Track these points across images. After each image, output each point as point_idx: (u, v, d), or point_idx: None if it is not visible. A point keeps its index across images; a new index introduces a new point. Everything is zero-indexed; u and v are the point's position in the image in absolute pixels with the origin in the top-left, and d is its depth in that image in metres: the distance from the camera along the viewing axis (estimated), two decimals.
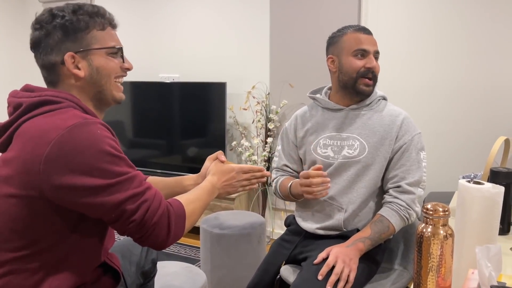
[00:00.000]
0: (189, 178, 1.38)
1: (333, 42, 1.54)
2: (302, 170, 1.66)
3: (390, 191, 1.48)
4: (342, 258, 1.33)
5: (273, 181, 1.72)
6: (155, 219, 0.97)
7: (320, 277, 1.31)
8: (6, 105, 1.05)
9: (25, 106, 0.99)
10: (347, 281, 1.31)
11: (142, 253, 1.41)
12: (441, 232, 0.88)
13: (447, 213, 0.88)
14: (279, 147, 1.73)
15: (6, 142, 1.01)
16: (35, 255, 0.97)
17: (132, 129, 3.78)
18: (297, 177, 1.68)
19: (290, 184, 1.58)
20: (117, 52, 1.08)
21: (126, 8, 3.87)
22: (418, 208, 1.47)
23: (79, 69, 1.03)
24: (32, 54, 1.06)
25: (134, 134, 3.77)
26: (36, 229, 0.96)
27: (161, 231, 0.98)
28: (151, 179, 1.36)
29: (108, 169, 0.92)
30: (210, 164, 1.33)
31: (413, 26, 2.77)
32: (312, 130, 1.61)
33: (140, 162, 3.71)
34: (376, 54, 1.50)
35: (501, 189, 0.99)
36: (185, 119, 3.51)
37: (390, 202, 1.45)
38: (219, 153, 1.34)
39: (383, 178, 1.52)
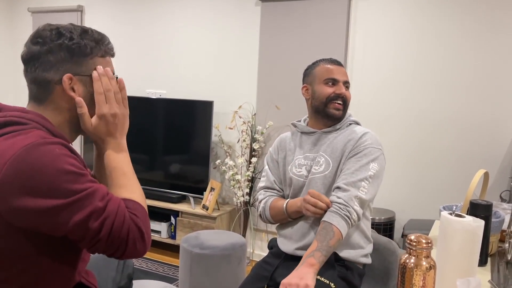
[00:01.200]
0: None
1: (307, 73, 1.69)
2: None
3: (332, 193, 1.51)
4: (294, 284, 1.30)
5: (260, 202, 1.72)
6: (123, 233, 0.94)
7: None
8: None
9: None
10: None
11: (118, 268, 1.39)
12: (424, 263, 0.89)
13: (430, 245, 0.90)
14: (266, 167, 1.77)
15: None
16: (3, 281, 0.93)
17: None
18: (285, 197, 1.70)
19: (286, 203, 1.61)
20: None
21: (117, 23, 3.88)
22: (358, 208, 1.46)
23: (74, 91, 1.02)
24: (20, 63, 1.04)
25: None
26: (2, 254, 0.92)
27: (137, 242, 0.96)
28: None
29: (67, 188, 0.89)
30: None
31: (399, 58, 2.85)
32: (290, 152, 1.70)
33: None
34: (346, 83, 1.63)
35: (481, 222, 1.02)
36: (170, 136, 3.51)
37: (333, 202, 1.48)
38: None
39: None
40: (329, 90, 1.60)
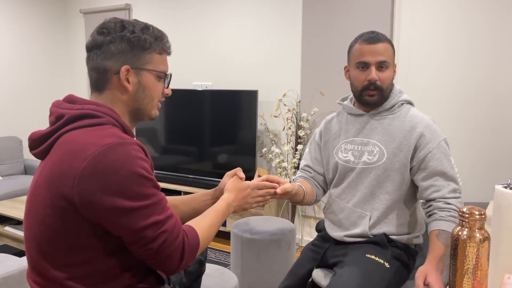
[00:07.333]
0: (206, 193, 1.41)
1: (348, 52, 1.59)
2: (324, 172, 1.71)
3: (436, 203, 1.44)
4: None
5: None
6: (169, 250, 1.00)
7: None
8: (49, 113, 1.09)
9: (66, 117, 1.03)
10: None
11: None
12: (477, 235, 0.88)
13: (483, 216, 0.89)
14: (307, 150, 1.79)
15: (45, 150, 1.05)
16: (76, 266, 1.00)
17: (164, 135, 3.89)
18: (315, 178, 1.72)
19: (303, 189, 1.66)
20: (165, 77, 1.14)
21: (162, 19, 4.00)
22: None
23: (128, 82, 1.07)
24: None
25: (166, 140, 3.88)
26: (72, 242, 0.99)
27: (173, 261, 1.02)
28: (169, 199, 1.37)
29: (135, 190, 0.96)
30: (227, 180, 1.37)
31: (448, 32, 2.75)
32: (336, 134, 1.66)
33: (172, 167, 3.80)
34: (381, 63, 1.49)
35: None
36: (217, 126, 3.59)
37: (443, 209, 1.42)
38: (238, 170, 1.37)
39: (411, 185, 1.52)
40: (361, 76, 1.50)
